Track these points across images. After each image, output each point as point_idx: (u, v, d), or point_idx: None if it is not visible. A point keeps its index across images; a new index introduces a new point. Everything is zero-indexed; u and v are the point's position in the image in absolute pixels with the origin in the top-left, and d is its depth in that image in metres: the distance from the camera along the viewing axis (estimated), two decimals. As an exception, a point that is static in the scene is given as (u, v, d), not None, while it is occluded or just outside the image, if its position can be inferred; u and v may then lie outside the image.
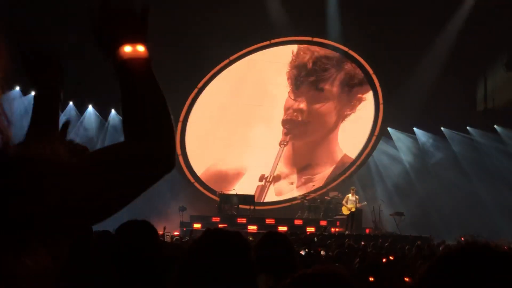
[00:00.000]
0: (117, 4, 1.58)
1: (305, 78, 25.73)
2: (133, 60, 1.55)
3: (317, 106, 25.89)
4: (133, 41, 1.56)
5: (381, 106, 26.07)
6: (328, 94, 25.93)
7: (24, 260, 1.30)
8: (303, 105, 25.83)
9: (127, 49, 1.56)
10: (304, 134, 25.97)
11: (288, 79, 25.74)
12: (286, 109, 25.85)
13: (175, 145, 1.55)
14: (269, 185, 25.93)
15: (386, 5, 22.96)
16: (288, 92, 25.79)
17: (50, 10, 20.20)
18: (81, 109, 24.31)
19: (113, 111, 24.18)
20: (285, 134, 25.96)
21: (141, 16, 1.61)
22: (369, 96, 26.29)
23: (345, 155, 26.54)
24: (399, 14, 22.75)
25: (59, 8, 20.18)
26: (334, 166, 26.50)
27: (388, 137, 26.90)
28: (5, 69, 1.38)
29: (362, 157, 26.60)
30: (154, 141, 1.50)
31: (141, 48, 1.57)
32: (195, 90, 24.82)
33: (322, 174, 26.35)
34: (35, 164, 1.35)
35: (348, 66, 25.88)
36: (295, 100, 25.85)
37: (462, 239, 16.91)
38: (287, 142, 26.00)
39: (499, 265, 1.30)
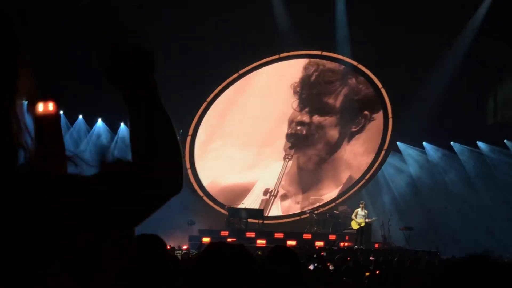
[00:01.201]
0: (126, 40, 1.61)
1: (309, 91, 25.72)
2: (141, 90, 1.59)
3: (320, 119, 25.82)
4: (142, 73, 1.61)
5: (390, 120, 26.00)
6: (331, 108, 25.86)
7: (47, 282, 1.31)
8: (305, 118, 25.78)
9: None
10: (308, 148, 25.90)
11: (293, 92, 25.73)
12: (290, 122, 25.82)
13: (182, 166, 1.57)
14: (273, 199, 25.86)
15: (395, 18, 23.03)
16: (293, 105, 25.77)
17: (58, 22, 20.32)
18: (90, 122, 24.45)
19: (122, 124, 24.28)
20: (289, 148, 25.92)
21: (147, 52, 1.63)
22: (378, 115, 26.21)
23: (350, 176, 26.44)
24: (408, 27, 22.77)
25: (69, 21, 20.31)
26: (340, 187, 26.38)
27: (397, 151, 26.88)
28: (30, 89, 1.43)
29: (371, 172, 26.52)
30: (161, 162, 1.52)
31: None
32: (204, 104, 24.87)
33: (329, 195, 26.23)
34: (59, 181, 1.37)
35: (352, 81, 25.84)
36: (299, 113, 25.81)
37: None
38: (291, 156, 25.92)
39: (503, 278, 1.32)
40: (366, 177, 26.53)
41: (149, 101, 1.59)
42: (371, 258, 15.05)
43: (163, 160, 1.53)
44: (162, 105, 1.61)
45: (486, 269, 1.36)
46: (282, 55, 25.16)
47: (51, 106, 1.68)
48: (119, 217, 1.44)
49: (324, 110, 25.84)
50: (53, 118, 1.65)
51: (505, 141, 25.38)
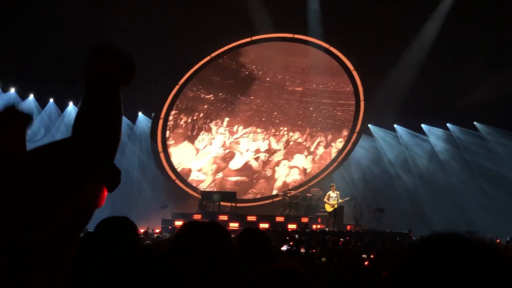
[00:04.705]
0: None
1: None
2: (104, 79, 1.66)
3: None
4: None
5: (362, 103, 26.12)
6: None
7: None
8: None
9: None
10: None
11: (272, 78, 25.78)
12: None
13: (115, 149, 1.63)
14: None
15: (367, 1, 23.08)
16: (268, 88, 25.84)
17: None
18: (62, 107, 24.24)
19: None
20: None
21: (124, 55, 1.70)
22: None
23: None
24: (380, 11, 22.80)
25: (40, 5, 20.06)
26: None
27: (369, 134, 27.05)
28: None
29: (343, 154, 26.66)
30: (97, 143, 1.58)
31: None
32: (177, 87, 24.71)
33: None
34: None
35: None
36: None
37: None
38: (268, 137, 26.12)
39: (469, 255, 1.33)
40: (339, 159, 26.68)
41: (101, 89, 1.63)
42: (341, 239, 15.15)
43: (96, 137, 1.58)
44: (115, 96, 1.66)
45: (457, 246, 1.37)
46: (254, 38, 25.05)
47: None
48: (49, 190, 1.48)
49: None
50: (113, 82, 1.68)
51: (474, 123, 25.67)
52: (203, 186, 25.34)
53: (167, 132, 24.95)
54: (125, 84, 1.69)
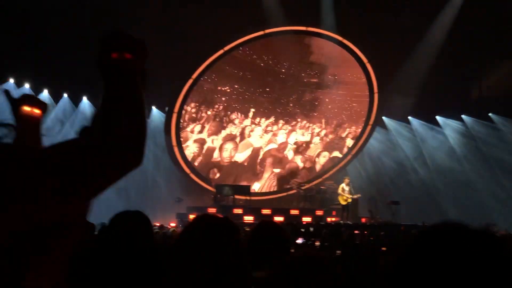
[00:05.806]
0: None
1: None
2: (119, 66, 1.64)
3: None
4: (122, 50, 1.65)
5: (376, 95, 26.02)
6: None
7: None
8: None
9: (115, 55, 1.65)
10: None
11: (278, 71, 25.80)
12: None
13: (144, 147, 1.59)
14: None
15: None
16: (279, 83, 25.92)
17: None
18: (76, 101, 24.35)
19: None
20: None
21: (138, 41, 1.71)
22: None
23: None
24: (394, 2, 22.70)
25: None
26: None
27: (383, 126, 26.97)
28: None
29: (358, 146, 26.60)
30: (124, 140, 1.55)
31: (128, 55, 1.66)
32: (190, 81, 24.69)
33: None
34: (16, 152, 1.40)
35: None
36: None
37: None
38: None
39: (472, 243, 1.33)
40: (352, 152, 26.62)
41: (127, 83, 1.62)
42: (355, 231, 15.10)
43: (126, 135, 1.55)
44: (138, 89, 1.64)
45: (459, 235, 1.37)
46: (267, 31, 24.97)
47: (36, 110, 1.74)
48: (77, 187, 1.46)
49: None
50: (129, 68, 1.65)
51: (489, 114, 25.50)
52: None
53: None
54: (139, 71, 1.66)
